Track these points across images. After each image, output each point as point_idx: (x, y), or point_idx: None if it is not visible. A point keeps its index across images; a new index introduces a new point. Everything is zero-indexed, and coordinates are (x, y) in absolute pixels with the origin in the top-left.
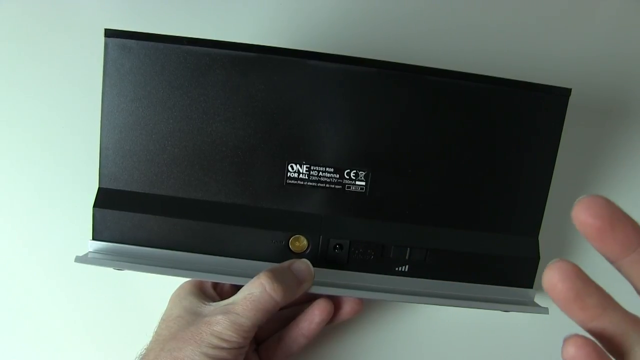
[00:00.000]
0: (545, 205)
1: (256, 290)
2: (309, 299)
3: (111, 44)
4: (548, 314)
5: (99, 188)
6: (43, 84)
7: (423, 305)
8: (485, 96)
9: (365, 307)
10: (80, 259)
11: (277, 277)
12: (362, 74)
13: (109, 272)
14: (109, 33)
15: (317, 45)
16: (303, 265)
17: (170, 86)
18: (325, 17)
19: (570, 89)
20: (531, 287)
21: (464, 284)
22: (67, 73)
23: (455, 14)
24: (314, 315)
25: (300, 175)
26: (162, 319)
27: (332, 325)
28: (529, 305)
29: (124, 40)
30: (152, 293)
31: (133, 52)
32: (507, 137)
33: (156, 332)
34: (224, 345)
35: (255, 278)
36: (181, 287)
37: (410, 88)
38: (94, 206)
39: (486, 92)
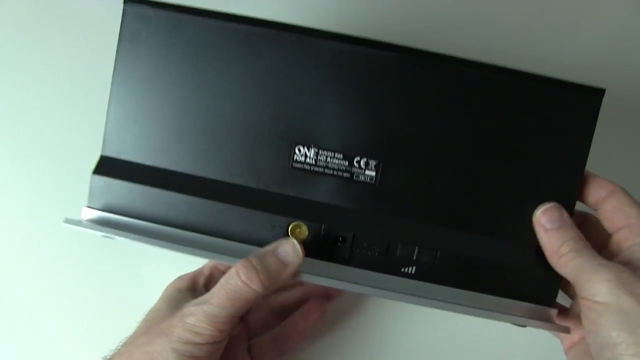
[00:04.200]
0: (573, 214)
1: (232, 280)
2: (305, 299)
3: (129, 11)
4: (569, 333)
5: (101, 155)
6: (43, 83)
7: (424, 307)
8: (513, 91)
9: (364, 307)
10: (70, 221)
11: (254, 264)
12: (383, 58)
13: (110, 266)
14: None
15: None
16: (289, 246)
17: (184, 58)
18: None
19: (604, 89)
20: (550, 306)
21: (475, 293)
22: (67, 73)
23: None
24: (309, 314)
25: (307, 159)
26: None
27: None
28: (548, 322)
29: (142, 7)
30: (153, 292)
31: (150, 21)
32: (535, 137)
33: (138, 326)
34: (197, 339)
35: (232, 266)
36: (172, 282)
37: (432, 77)
38: (93, 173)
39: (515, 86)
